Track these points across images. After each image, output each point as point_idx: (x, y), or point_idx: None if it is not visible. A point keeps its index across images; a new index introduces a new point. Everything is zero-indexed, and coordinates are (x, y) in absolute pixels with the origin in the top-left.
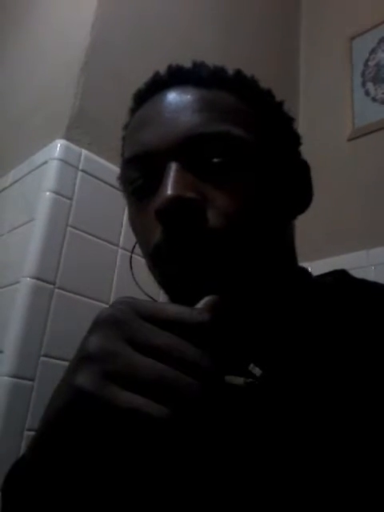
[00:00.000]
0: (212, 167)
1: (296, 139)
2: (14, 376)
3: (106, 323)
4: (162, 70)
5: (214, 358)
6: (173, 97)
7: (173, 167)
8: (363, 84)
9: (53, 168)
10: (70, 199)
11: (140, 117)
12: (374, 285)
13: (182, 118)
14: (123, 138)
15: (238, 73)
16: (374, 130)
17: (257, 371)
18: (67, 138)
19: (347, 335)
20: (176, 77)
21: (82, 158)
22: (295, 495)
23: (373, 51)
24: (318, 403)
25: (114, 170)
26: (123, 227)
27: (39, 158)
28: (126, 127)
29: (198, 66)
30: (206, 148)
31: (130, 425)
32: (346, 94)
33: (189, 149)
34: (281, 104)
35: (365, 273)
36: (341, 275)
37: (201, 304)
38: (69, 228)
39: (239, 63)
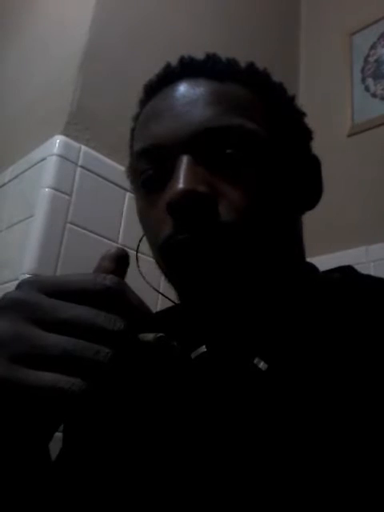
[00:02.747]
0: (224, 161)
1: (307, 134)
2: None
3: (9, 307)
4: (162, 65)
5: (125, 320)
6: (185, 89)
7: (185, 160)
8: (363, 80)
9: (52, 164)
10: (69, 195)
11: (152, 109)
12: (380, 281)
13: (194, 111)
14: (132, 130)
15: (251, 65)
16: (374, 126)
17: (262, 365)
18: (66, 134)
19: (353, 331)
20: (188, 68)
21: (81, 154)
22: (299, 486)
23: (373, 47)
24: (323, 397)
25: (113, 166)
26: (122, 223)
27: (38, 154)
28: (135, 118)
29: (210, 58)
30: (218, 141)
31: (47, 402)
32: (346, 90)
33: (201, 142)
34: (292, 98)
35: (364, 269)
36: (347, 271)
37: (105, 257)
38: (68, 224)
39: (239, 59)
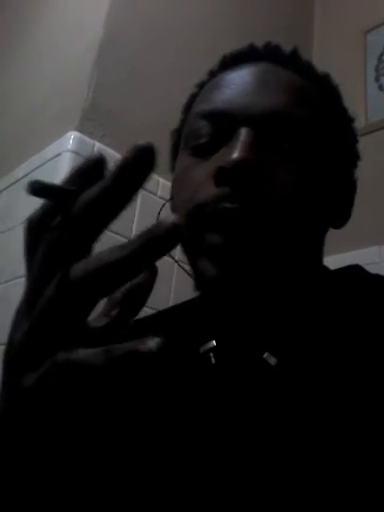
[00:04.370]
0: (280, 147)
1: (354, 156)
2: None
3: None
4: (177, 60)
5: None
6: (265, 70)
7: (247, 133)
8: (377, 78)
9: (66, 160)
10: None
11: (227, 78)
12: None
13: (268, 93)
14: (194, 95)
15: (324, 74)
16: None
17: (272, 360)
18: (80, 131)
19: (361, 329)
20: (272, 54)
21: (96, 150)
22: (310, 480)
23: None
24: (331, 393)
25: None
26: (135, 220)
27: (52, 150)
28: (200, 85)
29: (294, 51)
30: (280, 127)
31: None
32: (359, 89)
33: (266, 123)
34: (346, 109)
35: (377, 269)
36: (356, 270)
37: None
38: None
39: None
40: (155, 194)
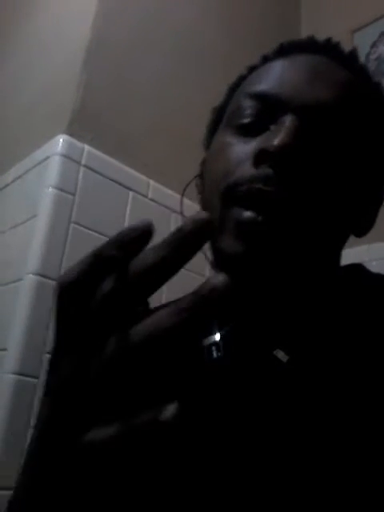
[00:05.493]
0: (326, 141)
1: None
2: (19, 373)
3: None
4: (167, 62)
5: None
6: (323, 64)
7: (293, 120)
8: None
9: (55, 163)
10: (73, 195)
11: (284, 64)
12: None
13: (320, 84)
14: (243, 77)
15: (377, 81)
16: None
17: (282, 356)
18: (69, 134)
19: (370, 327)
20: (330, 49)
21: (85, 153)
22: (321, 475)
23: (374, 45)
24: (341, 391)
25: (117, 165)
26: (126, 223)
27: (41, 153)
28: (251, 69)
29: (352, 51)
30: (329, 122)
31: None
32: None
33: (315, 115)
34: None
35: None
36: (358, 269)
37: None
38: (72, 224)
39: (240, 54)
40: (146, 196)
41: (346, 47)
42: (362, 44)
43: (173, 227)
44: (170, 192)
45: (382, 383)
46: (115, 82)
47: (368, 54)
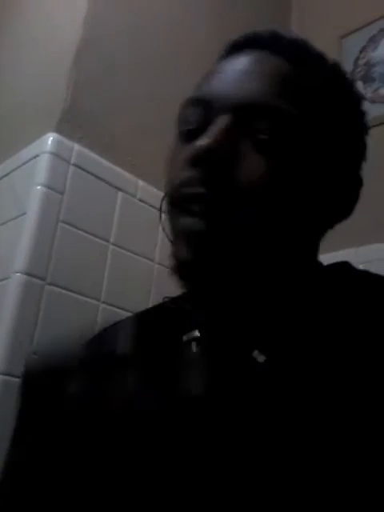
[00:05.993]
0: (259, 137)
1: (360, 151)
2: (5, 373)
3: None
4: (156, 62)
5: None
6: (260, 59)
7: (222, 121)
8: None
9: (44, 162)
10: (62, 194)
11: (221, 66)
12: (375, 276)
13: (246, 82)
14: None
15: (332, 63)
16: None
17: (261, 358)
18: (59, 132)
19: (351, 326)
20: (273, 42)
21: (74, 152)
22: (299, 479)
23: (363, 50)
24: (321, 390)
25: (106, 164)
26: (115, 222)
27: (30, 151)
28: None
29: (293, 40)
30: (261, 118)
31: None
32: None
33: (247, 112)
34: (355, 101)
35: None
36: (345, 267)
37: None
38: (60, 223)
39: None
40: (134, 196)
41: (334, 53)
42: (351, 49)
43: (161, 228)
44: (158, 193)
45: (362, 383)
46: (106, 81)
47: (356, 59)
